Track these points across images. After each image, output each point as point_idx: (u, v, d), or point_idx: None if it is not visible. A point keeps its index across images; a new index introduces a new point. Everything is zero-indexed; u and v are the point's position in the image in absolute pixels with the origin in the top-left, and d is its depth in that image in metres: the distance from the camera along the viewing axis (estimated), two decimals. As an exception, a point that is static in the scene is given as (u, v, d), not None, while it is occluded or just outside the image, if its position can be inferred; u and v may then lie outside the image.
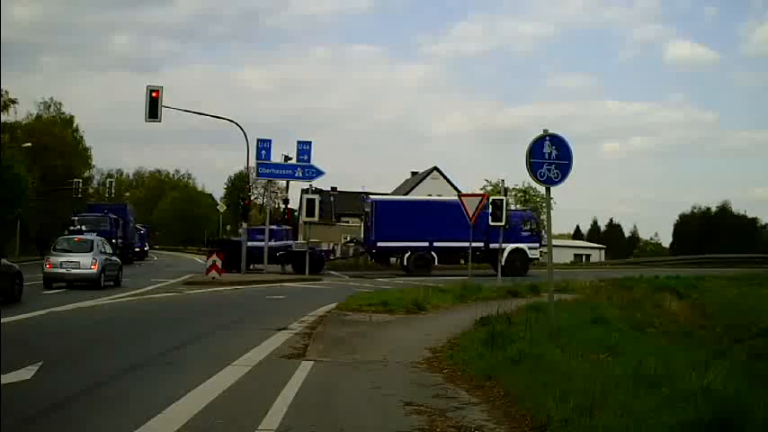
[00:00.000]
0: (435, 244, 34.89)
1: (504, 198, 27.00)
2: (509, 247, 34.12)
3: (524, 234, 35.98)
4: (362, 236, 40.05)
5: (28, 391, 7.51)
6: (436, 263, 35.62)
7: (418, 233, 34.55)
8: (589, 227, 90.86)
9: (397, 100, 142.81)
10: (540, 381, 7.20)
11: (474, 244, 26.40)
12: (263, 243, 32.67)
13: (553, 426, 5.93)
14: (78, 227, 30.88)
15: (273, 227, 36.22)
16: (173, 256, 69.05)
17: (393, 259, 38.70)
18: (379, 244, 35.61)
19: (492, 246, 32.15)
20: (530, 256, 36.16)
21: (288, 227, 38.52)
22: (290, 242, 36.41)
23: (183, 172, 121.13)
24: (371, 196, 39.20)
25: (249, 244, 32.74)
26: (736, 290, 27.22)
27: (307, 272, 31.54)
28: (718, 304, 22.97)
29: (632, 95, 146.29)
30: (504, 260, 31.33)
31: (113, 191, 79.16)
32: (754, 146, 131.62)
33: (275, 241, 34.49)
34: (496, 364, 8.58)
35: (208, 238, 59.05)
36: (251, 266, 33.18)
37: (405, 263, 35.66)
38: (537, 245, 36.22)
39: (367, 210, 37.36)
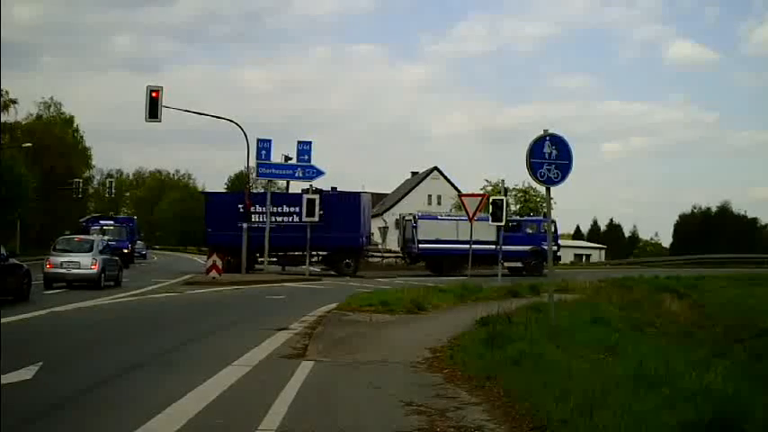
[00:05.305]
0: None
1: (504, 198, 27.06)
2: None
3: None
4: None
5: (28, 391, 7.51)
6: None
7: None
8: (589, 227, 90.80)
9: (397, 100, 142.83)
10: (540, 381, 7.20)
11: None
12: None
13: (553, 426, 5.92)
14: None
15: None
16: (173, 256, 69.07)
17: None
18: None
19: None
20: None
21: None
22: None
23: (183, 172, 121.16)
24: None
25: None
26: (736, 290, 27.22)
27: None
28: (719, 304, 22.97)
29: (633, 95, 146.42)
30: None
31: (113, 191, 79.27)
32: (754, 146, 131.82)
33: None
34: (496, 364, 8.57)
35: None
36: None
37: None
38: None
39: None
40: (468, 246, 31.86)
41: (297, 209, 34.76)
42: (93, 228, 42.87)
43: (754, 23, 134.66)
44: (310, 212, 31.73)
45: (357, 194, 39.48)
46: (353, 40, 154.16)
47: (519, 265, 37.21)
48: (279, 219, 35.12)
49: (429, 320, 14.97)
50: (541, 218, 39.91)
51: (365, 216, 37.95)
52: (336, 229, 34.97)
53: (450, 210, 60.20)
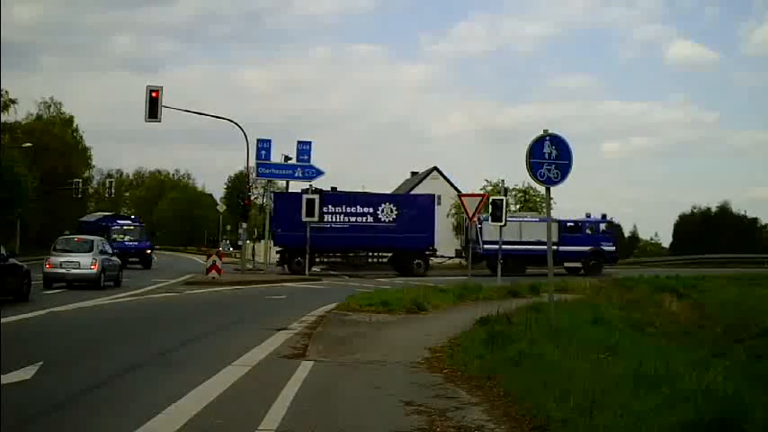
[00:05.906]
0: None
1: (504, 198, 27.07)
2: None
3: None
4: None
5: (28, 390, 7.51)
6: None
7: None
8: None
9: (397, 100, 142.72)
10: (540, 381, 7.20)
11: None
12: None
13: (553, 426, 5.93)
14: None
15: None
16: (172, 256, 69.07)
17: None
18: None
19: None
20: None
21: None
22: None
23: (183, 172, 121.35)
24: None
25: None
26: (736, 290, 27.19)
27: None
28: (718, 304, 22.94)
29: (633, 95, 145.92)
30: None
31: (113, 191, 79.17)
32: (754, 146, 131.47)
33: None
34: (496, 364, 8.57)
35: (208, 238, 59.14)
36: None
37: None
38: None
39: None
40: (530, 246, 32.61)
41: (370, 209, 35.04)
42: (113, 227, 41.87)
43: (754, 23, 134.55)
44: (310, 212, 31.74)
45: (431, 196, 39.64)
46: (353, 40, 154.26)
47: (578, 265, 37.90)
48: (352, 219, 35.25)
49: (429, 320, 14.97)
50: (600, 218, 40.75)
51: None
52: (409, 230, 35.19)
53: (451, 210, 60.30)
